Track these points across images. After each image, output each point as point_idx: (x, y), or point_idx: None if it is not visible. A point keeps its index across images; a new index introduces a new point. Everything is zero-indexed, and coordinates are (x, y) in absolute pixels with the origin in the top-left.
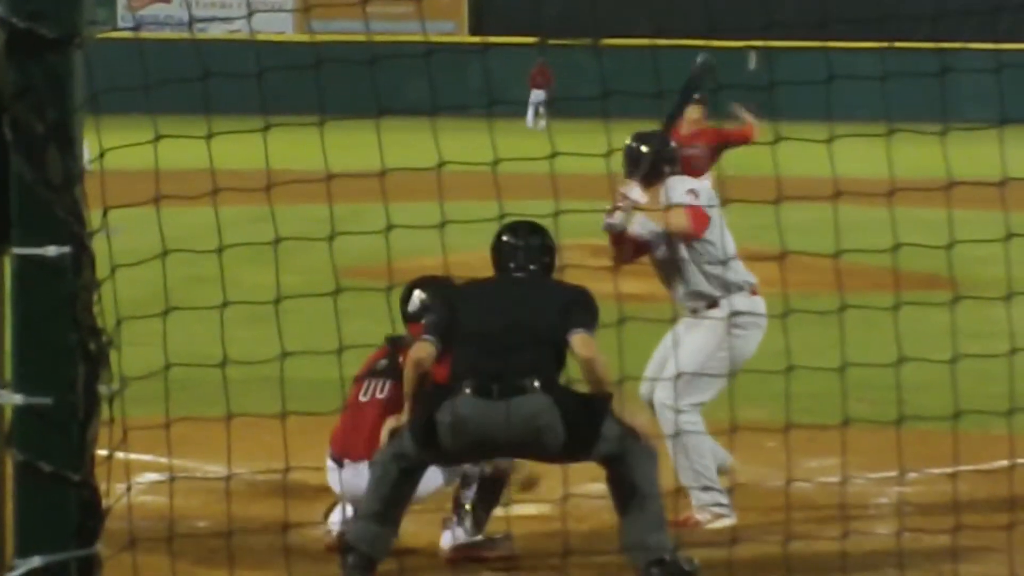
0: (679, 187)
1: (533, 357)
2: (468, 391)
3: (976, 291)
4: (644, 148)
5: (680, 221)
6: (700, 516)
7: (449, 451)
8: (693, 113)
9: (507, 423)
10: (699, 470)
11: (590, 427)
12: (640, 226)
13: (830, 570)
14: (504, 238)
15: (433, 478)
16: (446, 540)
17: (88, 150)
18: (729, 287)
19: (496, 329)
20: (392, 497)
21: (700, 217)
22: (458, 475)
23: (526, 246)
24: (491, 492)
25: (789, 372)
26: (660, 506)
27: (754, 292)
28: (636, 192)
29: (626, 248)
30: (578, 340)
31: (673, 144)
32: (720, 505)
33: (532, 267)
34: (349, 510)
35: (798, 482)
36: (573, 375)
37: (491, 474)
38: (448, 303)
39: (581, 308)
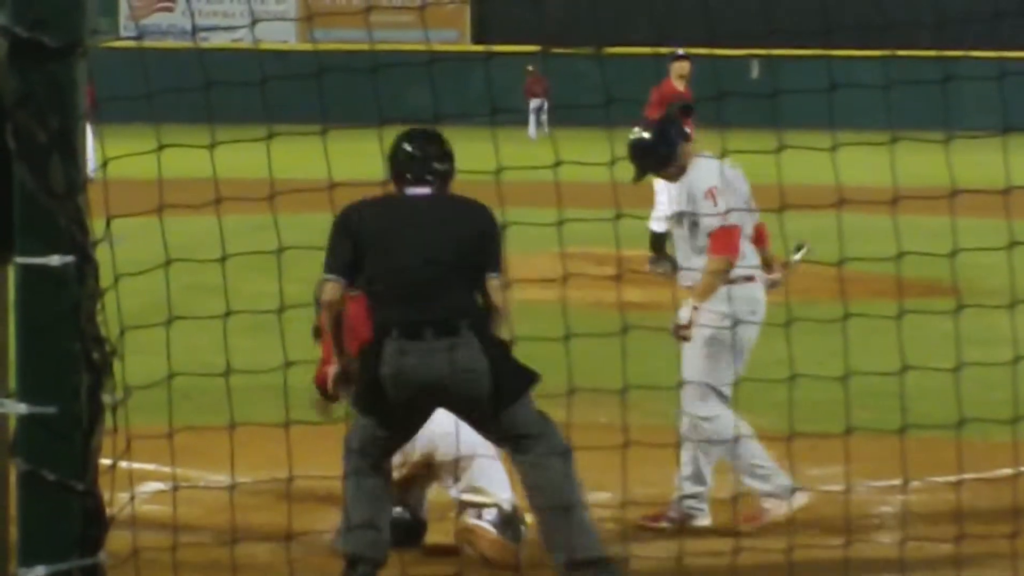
0: (700, 186)
1: (459, 297)
2: (400, 337)
3: (979, 299)
4: (646, 137)
5: (717, 267)
6: (768, 505)
7: (396, 405)
8: (681, 69)
9: (442, 365)
10: (755, 463)
11: (515, 384)
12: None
13: None
14: (402, 146)
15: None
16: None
17: (94, 159)
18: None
19: (412, 268)
20: (375, 500)
21: (731, 239)
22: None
23: (424, 155)
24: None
25: (792, 380)
26: (581, 503)
27: (751, 279)
28: (686, 313)
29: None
30: (495, 285)
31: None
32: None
33: (429, 177)
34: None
35: (801, 490)
36: None
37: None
38: (351, 235)
39: (493, 243)
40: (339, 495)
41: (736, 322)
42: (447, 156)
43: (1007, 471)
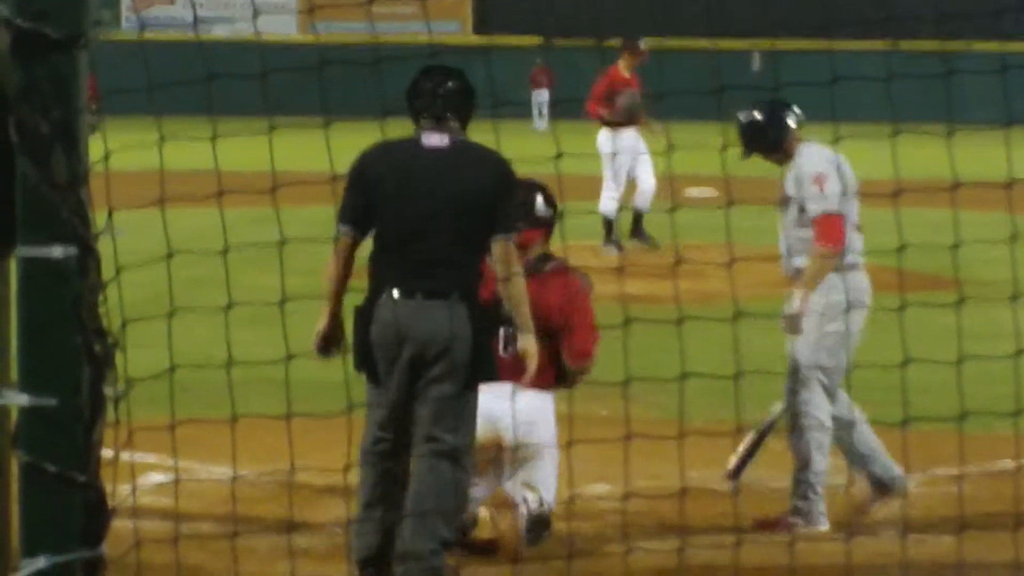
0: (808, 172)
1: (457, 265)
2: (396, 294)
3: (981, 292)
4: (758, 118)
5: (822, 255)
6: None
7: (379, 354)
8: (633, 60)
9: (429, 322)
10: (865, 452)
11: (482, 360)
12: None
13: (835, 571)
14: (421, 83)
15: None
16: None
17: None
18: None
19: (419, 230)
20: (386, 498)
21: (834, 227)
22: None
23: (444, 93)
24: None
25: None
26: (446, 515)
27: (857, 267)
28: (796, 303)
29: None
30: (502, 249)
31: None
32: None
33: (448, 114)
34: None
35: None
36: None
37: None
38: (364, 185)
39: (507, 201)
40: (340, 487)
41: (848, 309)
42: (466, 92)
43: (1009, 464)
